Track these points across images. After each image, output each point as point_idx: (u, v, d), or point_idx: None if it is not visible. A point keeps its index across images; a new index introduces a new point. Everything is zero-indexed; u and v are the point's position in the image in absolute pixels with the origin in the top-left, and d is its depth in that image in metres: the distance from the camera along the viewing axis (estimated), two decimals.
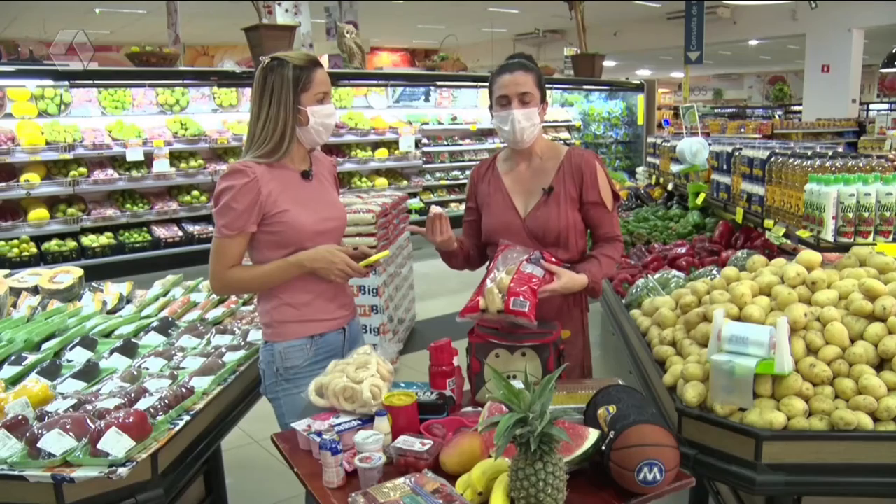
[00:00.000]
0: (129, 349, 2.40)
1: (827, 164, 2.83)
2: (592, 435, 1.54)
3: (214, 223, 2.00)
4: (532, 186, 2.20)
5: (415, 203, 8.31)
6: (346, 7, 8.81)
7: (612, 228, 2.23)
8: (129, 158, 6.02)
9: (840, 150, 3.43)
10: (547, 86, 2.23)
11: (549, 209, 2.15)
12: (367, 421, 1.78)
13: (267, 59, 2.01)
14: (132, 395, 1.94)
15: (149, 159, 6.16)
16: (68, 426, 1.70)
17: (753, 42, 15.02)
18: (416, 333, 5.52)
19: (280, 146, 2.00)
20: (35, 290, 3.06)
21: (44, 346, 2.45)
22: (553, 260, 2.05)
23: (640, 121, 10.72)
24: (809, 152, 3.09)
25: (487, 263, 2.29)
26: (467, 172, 9.10)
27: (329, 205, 2.14)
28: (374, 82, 8.33)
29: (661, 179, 5.84)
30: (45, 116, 5.78)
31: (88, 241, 5.91)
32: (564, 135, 10.05)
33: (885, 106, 17.63)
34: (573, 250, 2.19)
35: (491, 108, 2.21)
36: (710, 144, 4.32)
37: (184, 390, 2.00)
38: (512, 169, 2.26)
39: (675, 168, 4.79)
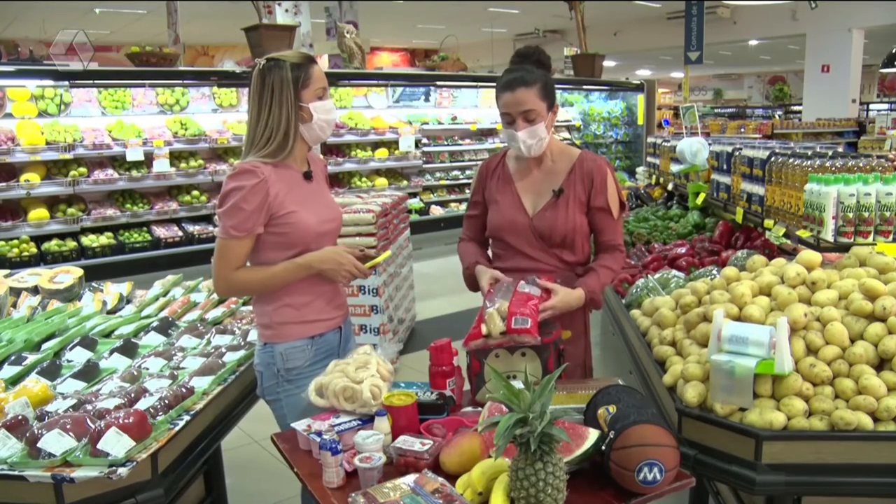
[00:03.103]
0: (129, 349, 2.40)
1: (827, 164, 2.83)
2: (592, 435, 1.54)
3: (219, 223, 1.96)
4: (542, 187, 2.22)
5: (415, 203, 8.31)
6: (346, 7, 8.80)
7: (615, 237, 2.23)
8: (129, 158, 6.03)
9: (840, 150, 3.42)
10: None
11: (558, 211, 2.17)
12: (367, 421, 1.78)
13: (262, 61, 2.00)
14: (132, 395, 1.94)
15: (149, 159, 6.16)
16: (68, 426, 1.70)
17: (753, 42, 15.01)
18: (416, 333, 5.52)
19: (285, 145, 1.99)
20: (35, 290, 3.06)
21: (44, 346, 2.45)
22: (545, 279, 2.06)
23: (640, 121, 10.73)
24: (809, 152, 3.08)
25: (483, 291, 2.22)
26: (468, 172, 9.13)
27: (327, 206, 2.15)
28: (374, 82, 8.33)
29: (661, 179, 5.83)
30: (45, 116, 5.78)
31: (88, 241, 5.91)
32: (564, 134, 10.05)
33: (885, 106, 17.65)
34: (579, 253, 2.22)
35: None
36: (710, 144, 4.31)
37: (184, 390, 2.00)
38: (522, 168, 2.27)
39: (675, 168, 4.79)
